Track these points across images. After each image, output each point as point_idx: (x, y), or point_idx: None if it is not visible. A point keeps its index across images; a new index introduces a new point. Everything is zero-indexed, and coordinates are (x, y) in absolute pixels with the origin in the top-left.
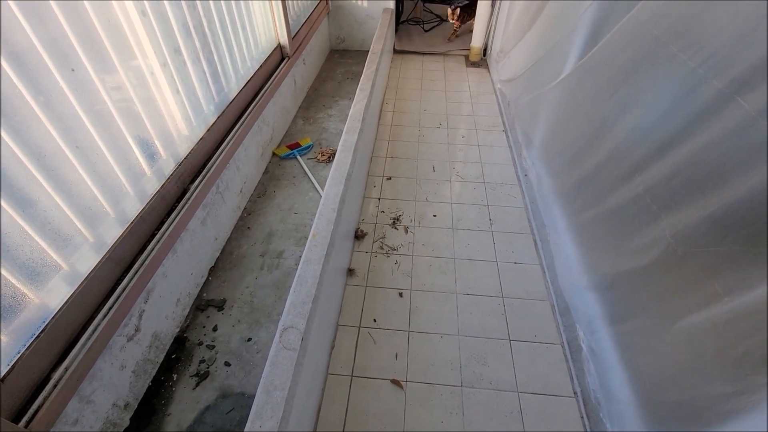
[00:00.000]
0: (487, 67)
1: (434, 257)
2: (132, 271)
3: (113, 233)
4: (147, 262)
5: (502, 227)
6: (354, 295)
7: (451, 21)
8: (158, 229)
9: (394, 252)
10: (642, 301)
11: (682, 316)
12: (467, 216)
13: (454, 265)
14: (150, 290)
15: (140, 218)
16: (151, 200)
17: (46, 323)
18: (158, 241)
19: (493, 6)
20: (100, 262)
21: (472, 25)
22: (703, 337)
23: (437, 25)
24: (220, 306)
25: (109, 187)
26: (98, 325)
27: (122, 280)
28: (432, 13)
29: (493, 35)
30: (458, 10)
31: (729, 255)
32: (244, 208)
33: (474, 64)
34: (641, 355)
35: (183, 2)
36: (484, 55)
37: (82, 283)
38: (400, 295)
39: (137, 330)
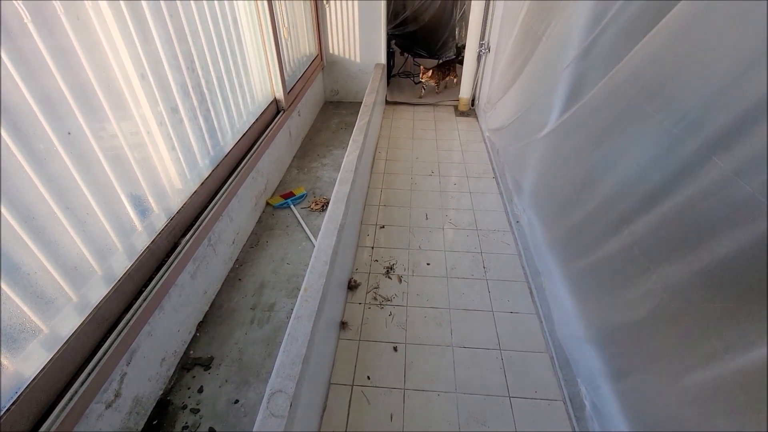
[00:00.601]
0: (475, 116)
1: (429, 308)
2: (116, 331)
3: (99, 292)
4: (132, 321)
5: (497, 275)
6: (347, 350)
7: (423, 80)
8: (146, 285)
9: (388, 303)
10: (643, 357)
11: (685, 373)
12: (461, 264)
13: (449, 316)
14: (134, 351)
15: (128, 275)
16: (140, 256)
17: (18, 394)
18: (145, 299)
19: (479, 61)
20: (82, 323)
21: (450, 82)
22: (708, 396)
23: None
24: (206, 365)
25: (98, 246)
26: (75, 392)
27: (105, 342)
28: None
29: (480, 86)
30: (430, 71)
31: (724, 311)
32: (236, 259)
33: (463, 114)
34: (647, 415)
35: (183, 66)
36: (472, 105)
37: (62, 347)
38: (395, 349)
39: (117, 395)
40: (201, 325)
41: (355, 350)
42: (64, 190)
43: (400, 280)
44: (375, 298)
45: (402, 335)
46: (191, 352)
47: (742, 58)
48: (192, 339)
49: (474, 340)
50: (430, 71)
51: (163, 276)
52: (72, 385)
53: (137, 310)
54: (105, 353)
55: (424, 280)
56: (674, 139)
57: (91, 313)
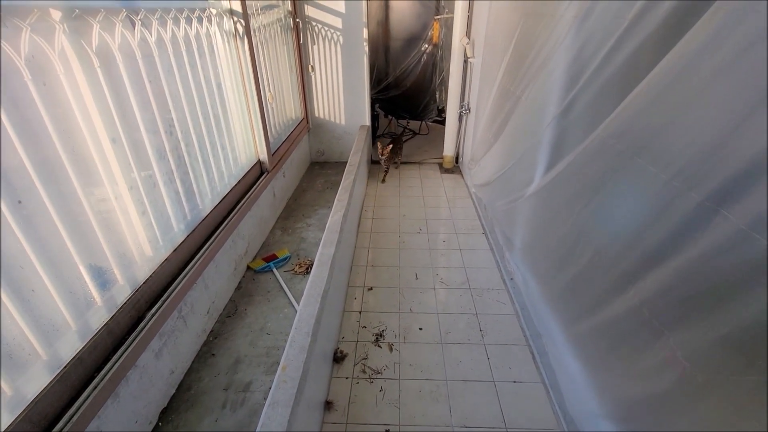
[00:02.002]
0: (460, 173)
1: (424, 380)
2: None
3: (38, 383)
4: (75, 418)
5: (495, 339)
6: None
7: (382, 158)
8: (99, 369)
9: (379, 376)
10: None
11: None
12: (456, 327)
13: (446, 389)
14: None
15: (77, 360)
16: (94, 336)
17: None
18: (95, 387)
19: (460, 120)
20: (10, 426)
21: (397, 158)
22: None
23: (411, 137)
24: None
25: (44, 326)
26: None
27: None
28: (406, 128)
29: (463, 144)
30: (389, 146)
31: (761, 385)
32: (211, 331)
33: (447, 171)
34: None
35: (161, 130)
36: (457, 162)
37: None
38: None
39: None
40: (164, 413)
41: None
42: (7, 265)
43: (391, 349)
44: (364, 371)
45: (395, 415)
46: None
47: (742, 104)
48: (153, 429)
49: (476, 418)
50: (389, 146)
51: (120, 358)
52: None
53: (84, 401)
54: None
55: (416, 348)
56: (675, 192)
57: (24, 410)
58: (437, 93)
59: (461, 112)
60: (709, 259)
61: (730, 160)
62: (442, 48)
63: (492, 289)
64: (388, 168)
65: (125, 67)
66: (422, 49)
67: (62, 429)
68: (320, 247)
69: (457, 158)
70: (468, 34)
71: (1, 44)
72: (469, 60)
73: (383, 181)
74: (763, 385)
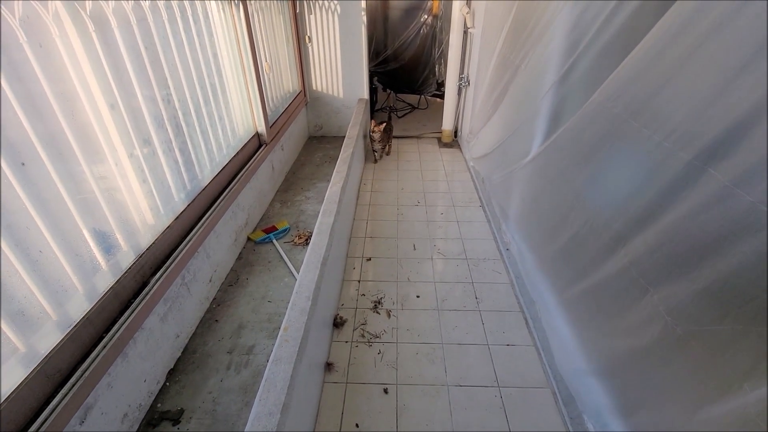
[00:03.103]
0: (459, 147)
1: (420, 343)
2: (67, 386)
3: (50, 341)
4: (88, 373)
5: (490, 306)
6: (333, 395)
7: (375, 136)
8: (107, 330)
9: (377, 340)
10: (652, 389)
11: (701, 406)
12: (452, 295)
13: (442, 352)
14: (89, 407)
15: (86, 320)
16: (102, 299)
17: None
18: (105, 346)
19: (459, 94)
20: (27, 378)
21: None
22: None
23: (409, 112)
24: (176, 419)
25: (53, 287)
26: None
27: (54, 397)
28: (404, 102)
29: (462, 118)
30: (382, 125)
31: (736, 334)
32: (213, 299)
33: (446, 145)
34: None
35: (158, 98)
36: (455, 136)
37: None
38: (385, 391)
39: None
40: (171, 373)
41: (342, 394)
42: (13, 225)
43: (389, 315)
44: (363, 336)
45: (393, 375)
46: (159, 404)
47: (731, 64)
48: (161, 389)
49: (470, 378)
50: (382, 125)
51: (127, 320)
52: None
53: (95, 359)
54: (52, 412)
55: (414, 314)
56: (666, 152)
57: (39, 365)
58: (437, 66)
59: (460, 84)
60: (694, 217)
61: (718, 119)
62: (442, 19)
63: (488, 259)
64: (381, 154)
65: (120, 32)
66: (422, 20)
67: (75, 383)
68: (319, 216)
69: (456, 132)
70: (468, 3)
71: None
72: (468, 30)
73: (376, 161)
74: (736, 333)
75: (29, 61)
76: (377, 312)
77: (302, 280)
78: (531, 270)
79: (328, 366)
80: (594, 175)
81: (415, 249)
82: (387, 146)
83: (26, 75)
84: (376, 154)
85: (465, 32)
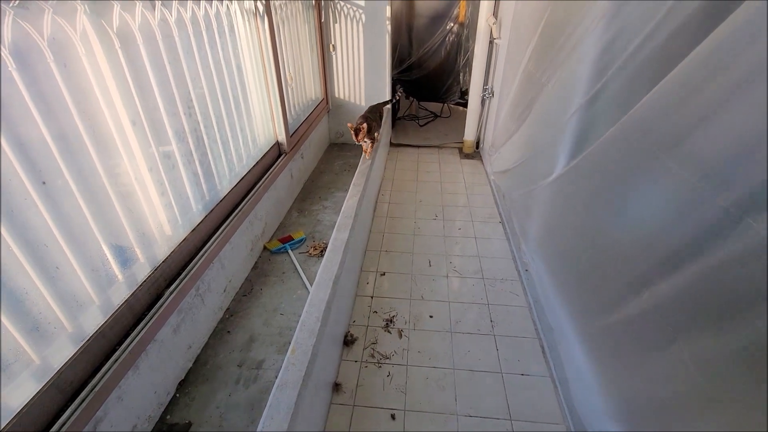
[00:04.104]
0: (480, 158)
1: (431, 368)
2: (78, 399)
3: (63, 354)
4: (99, 386)
5: (505, 330)
6: (339, 418)
7: (365, 140)
8: (120, 343)
9: (387, 361)
10: None
11: None
12: (466, 317)
13: (453, 378)
14: (99, 420)
15: (100, 334)
16: (115, 312)
17: None
18: (117, 360)
19: (483, 104)
20: (39, 391)
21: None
22: None
23: (432, 120)
24: None
25: (69, 301)
26: None
27: (65, 411)
28: (427, 110)
29: (485, 129)
30: (364, 126)
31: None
32: (227, 309)
33: (468, 156)
34: None
35: (180, 111)
36: (477, 147)
37: (11, 421)
38: (393, 417)
39: None
40: (182, 385)
41: (349, 418)
42: (33, 243)
43: (401, 335)
44: (372, 356)
45: (401, 400)
46: (168, 416)
47: None
48: (171, 401)
49: (481, 408)
50: (363, 125)
51: (140, 332)
52: None
53: (106, 372)
54: (62, 426)
55: (426, 335)
56: (699, 196)
57: (51, 379)
58: (461, 74)
59: (484, 95)
60: (729, 268)
61: (762, 166)
62: (468, 27)
63: (505, 279)
64: (370, 143)
65: (145, 47)
66: (447, 27)
67: (86, 397)
68: (334, 232)
69: (477, 143)
70: (495, 13)
71: (3, 33)
72: (494, 41)
73: (369, 154)
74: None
75: (56, 81)
76: (388, 331)
77: (313, 299)
78: (550, 294)
79: (336, 386)
80: (618, 207)
81: (430, 265)
82: (376, 134)
83: (52, 95)
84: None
85: (491, 42)
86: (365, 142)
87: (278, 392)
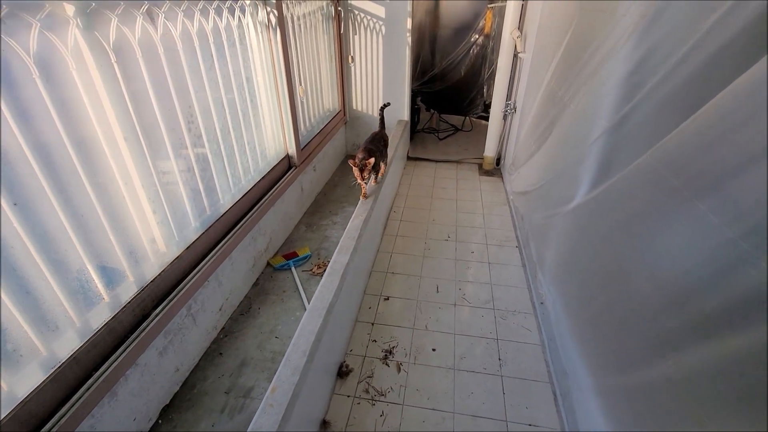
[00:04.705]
0: (500, 176)
1: (430, 410)
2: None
3: (30, 382)
4: (65, 418)
5: (514, 370)
6: None
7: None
8: (97, 369)
9: (382, 398)
10: None
11: None
12: (472, 352)
13: (452, 424)
14: None
15: (73, 360)
16: (94, 336)
17: None
18: (89, 388)
19: (504, 119)
20: None
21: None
22: None
23: (452, 134)
24: None
25: (43, 322)
26: None
27: None
28: (448, 123)
29: (506, 145)
30: (370, 161)
31: None
32: (222, 328)
33: (487, 173)
34: None
35: (183, 126)
36: (498, 164)
37: None
38: None
39: None
40: (166, 410)
41: None
42: (9, 258)
43: (399, 369)
44: (367, 391)
45: None
46: None
47: None
48: (152, 427)
49: None
50: (370, 160)
51: (119, 358)
52: None
53: (75, 402)
54: None
55: (426, 371)
56: (741, 253)
57: (12, 410)
58: (485, 87)
59: (506, 111)
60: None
61: None
62: (494, 39)
63: (518, 312)
64: (373, 179)
65: (145, 61)
66: (472, 39)
67: (51, 429)
68: (335, 254)
69: (498, 160)
70: (520, 26)
71: (2, 41)
72: (518, 55)
73: (365, 196)
74: None
75: (41, 98)
76: (386, 364)
77: (302, 330)
78: (565, 334)
79: (325, 424)
80: (641, 248)
81: (438, 291)
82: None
83: (37, 111)
84: (364, 188)
85: (515, 56)
86: (367, 179)
87: None
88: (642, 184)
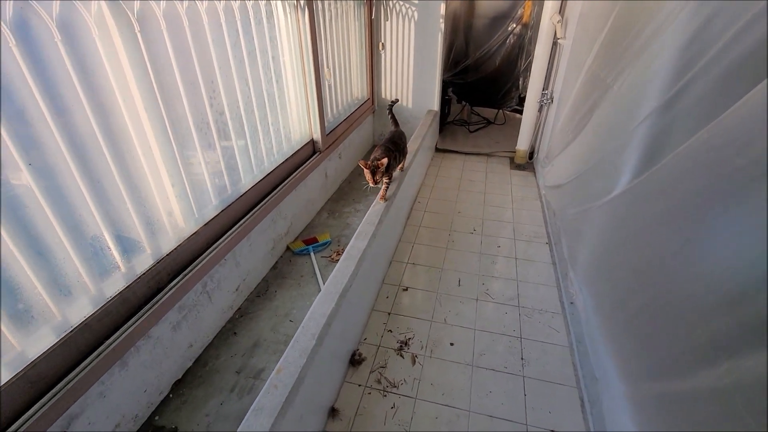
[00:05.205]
0: (533, 170)
1: (443, 406)
2: (49, 394)
3: (41, 344)
4: (73, 382)
5: (538, 372)
6: None
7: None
8: (109, 336)
9: (394, 390)
10: None
11: None
12: (493, 349)
13: (467, 423)
14: (73, 416)
15: (84, 326)
16: (107, 303)
17: None
18: (99, 355)
19: (540, 111)
20: (7, 383)
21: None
22: None
23: (483, 126)
24: None
25: (56, 285)
26: None
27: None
28: (479, 115)
29: (540, 138)
30: (383, 160)
31: None
32: (238, 308)
33: (519, 167)
34: None
35: (206, 102)
36: (531, 158)
37: None
38: None
39: None
40: (178, 385)
41: None
42: (28, 228)
43: (414, 361)
44: (379, 381)
45: None
46: (156, 417)
47: None
48: (162, 400)
49: None
50: (383, 160)
51: (129, 328)
52: None
53: (85, 368)
54: (27, 420)
55: (443, 366)
56: None
57: (23, 369)
58: (521, 79)
59: (542, 101)
60: None
61: None
62: (532, 29)
63: (545, 311)
64: (387, 182)
65: (169, 33)
66: (509, 29)
67: (60, 390)
68: (353, 239)
69: (531, 154)
70: (561, 11)
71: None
72: (558, 41)
73: (384, 198)
74: None
75: (63, 63)
76: (401, 355)
77: (313, 313)
78: (597, 337)
79: (333, 412)
80: (690, 242)
81: (459, 285)
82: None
83: (59, 76)
84: (386, 188)
85: (554, 44)
86: (383, 181)
87: (252, 417)
88: (695, 167)
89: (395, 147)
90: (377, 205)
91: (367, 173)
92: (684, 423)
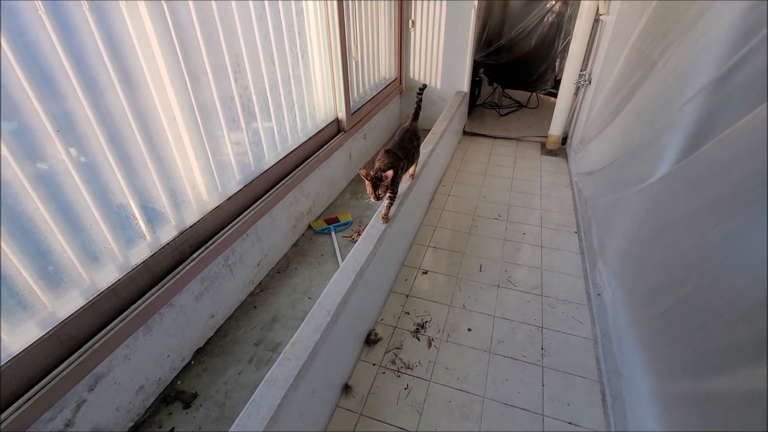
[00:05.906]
0: (565, 157)
1: (457, 390)
2: (78, 352)
3: (71, 305)
4: (99, 343)
5: (558, 363)
6: (342, 424)
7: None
8: (133, 302)
9: (408, 372)
10: None
11: None
12: (512, 338)
13: (481, 408)
14: (100, 375)
15: (111, 291)
16: (132, 270)
17: None
18: (124, 319)
19: (576, 94)
20: (38, 340)
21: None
22: None
23: (515, 110)
24: (187, 402)
25: (85, 250)
26: (12, 414)
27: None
28: (511, 98)
29: (575, 123)
30: (388, 173)
31: None
32: (259, 283)
33: (550, 153)
34: None
35: (231, 76)
36: (564, 144)
37: (6, 363)
38: None
39: (68, 425)
40: (199, 353)
41: (352, 426)
42: (57, 194)
43: (430, 344)
44: (393, 362)
45: (414, 420)
46: (178, 382)
47: None
48: (184, 366)
49: None
50: (387, 172)
51: (154, 295)
52: (8, 407)
53: (111, 330)
54: (57, 376)
55: (459, 350)
56: None
57: (53, 328)
58: (557, 60)
59: (579, 83)
60: None
61: None
62: (573, 6)
63: (570, 302)
64: (391, 198)
65: (195, 4)
66: (548, 6)
67: (87, 350)
68: (372, 219)
69: (564, 139)
70: None
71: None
72: (600, 18)
73: (386, 218)
74: None
75: (89, 27)
76: (417, 337)
77: (330, 290)
78: (624, 331)
79: (347, 388)
80: (740, 231)
81: (481, 270)
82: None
83: (86, 41)
84: (387, 208)
85: (595, 21)
86: (387, 196)
87: (264, 388)
88: (748, 148)
89: (404, 153)
90: (400, 185)
91: (368, 186)
92: (716, 424)
